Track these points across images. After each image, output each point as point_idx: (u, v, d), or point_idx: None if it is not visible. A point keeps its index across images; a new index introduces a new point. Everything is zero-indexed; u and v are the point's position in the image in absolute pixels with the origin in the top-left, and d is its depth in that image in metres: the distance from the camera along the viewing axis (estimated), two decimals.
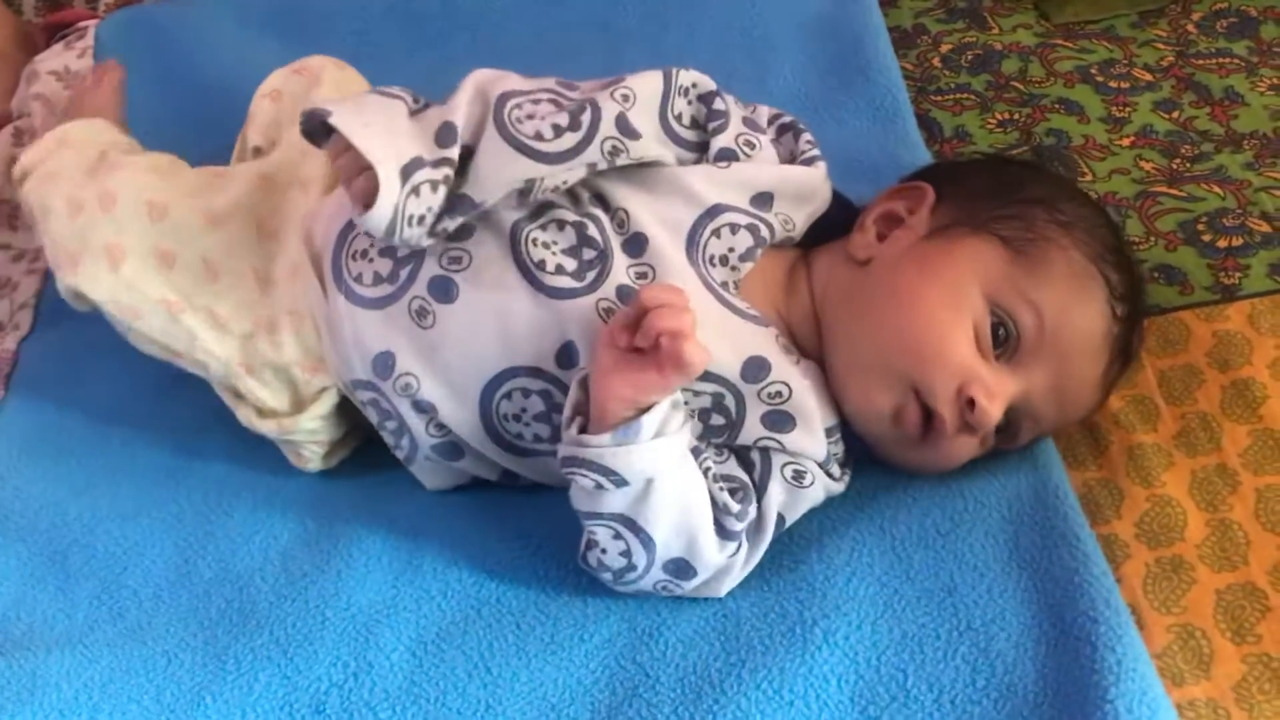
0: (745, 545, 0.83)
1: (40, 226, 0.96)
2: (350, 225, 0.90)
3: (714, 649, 0.82)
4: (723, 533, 0.82)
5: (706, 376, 0.83)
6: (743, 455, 0.86)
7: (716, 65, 1.23)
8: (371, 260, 0.88)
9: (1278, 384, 0.94)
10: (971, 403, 0.83)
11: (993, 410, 0.83)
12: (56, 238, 0.94)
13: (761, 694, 0.79)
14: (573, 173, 0.83)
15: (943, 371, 0.83)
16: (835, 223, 0.92)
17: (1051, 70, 1.24)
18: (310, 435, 0.93)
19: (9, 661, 0.83)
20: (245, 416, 0.93)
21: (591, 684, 0.81)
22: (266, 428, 0.93)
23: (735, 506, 0.82)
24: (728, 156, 0.87)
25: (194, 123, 1.24)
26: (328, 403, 0.91)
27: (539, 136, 0.82)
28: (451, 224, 0.83)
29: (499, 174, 0.81)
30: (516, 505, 0.92)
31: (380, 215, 0.79)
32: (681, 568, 0.82)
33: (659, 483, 0.79)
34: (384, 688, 0.81)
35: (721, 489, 0.83)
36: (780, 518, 0.85)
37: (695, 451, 0.83)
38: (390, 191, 0.79)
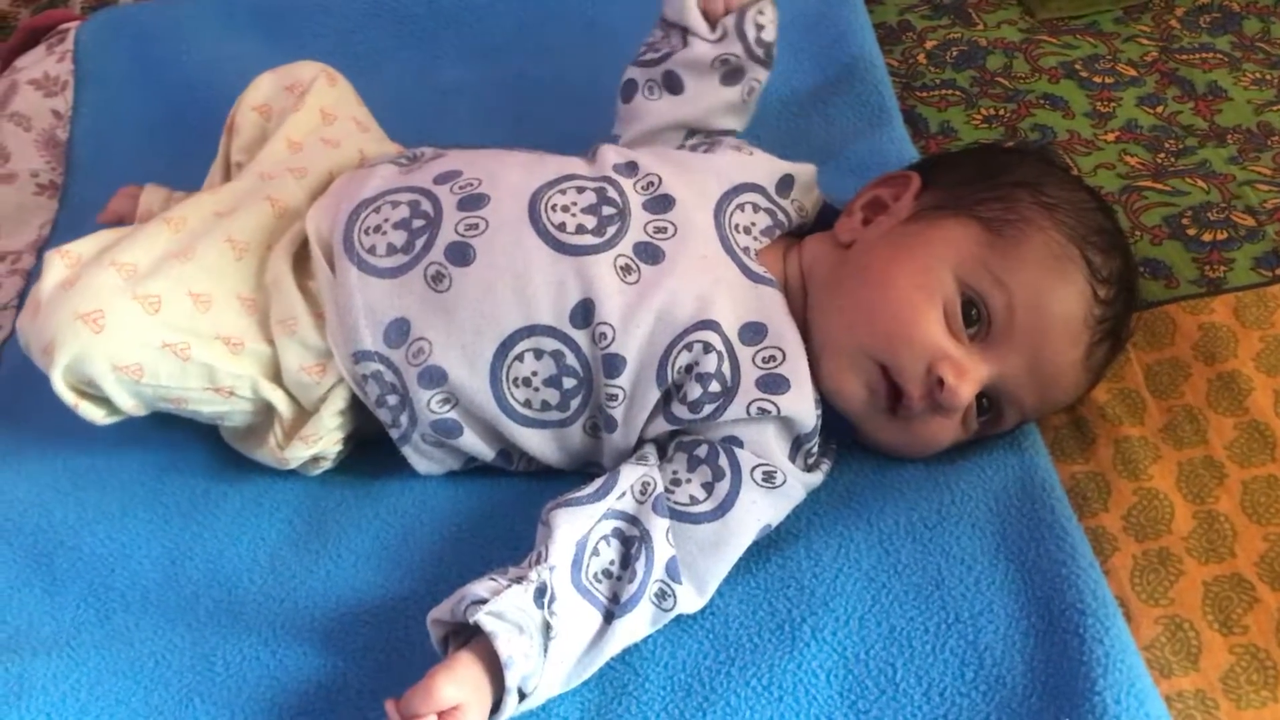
0: (681, 591, 0.81)
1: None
2: (361, 204, 0.90)
3: (703, 646, 0.82)
4: (662, 603, 0.81)
5: (708, 332, 0.84)
6: (713, 463, 0.85)
7: None
8: (385, 233, 0.88)
9: (1263, 376, 0.94)
10: (941, 382, 0.83)
11: (961, 390, 0.83)
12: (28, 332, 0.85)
13: (751, 690, 0.79)
14: None
15: (911, 350, 0.84)
16: (827, 226, 0.95)
17: (1036, 66, 1.24)
18: (331, 435, 0.90)
19: None
20: (271, 452, 0.91)
21: (581, 683, 0.80)
22: (294, 452, 0.90)
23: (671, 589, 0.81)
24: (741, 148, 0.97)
25: (178, 124, 1.24)
26: (341, 396, 0.89)
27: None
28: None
29: None
30: (505, 503, 0.92)
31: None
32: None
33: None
34: (373, 688, 0.81)
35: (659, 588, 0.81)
36: (765, 525, 0.85)
37: (665, 456, 0.86)
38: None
